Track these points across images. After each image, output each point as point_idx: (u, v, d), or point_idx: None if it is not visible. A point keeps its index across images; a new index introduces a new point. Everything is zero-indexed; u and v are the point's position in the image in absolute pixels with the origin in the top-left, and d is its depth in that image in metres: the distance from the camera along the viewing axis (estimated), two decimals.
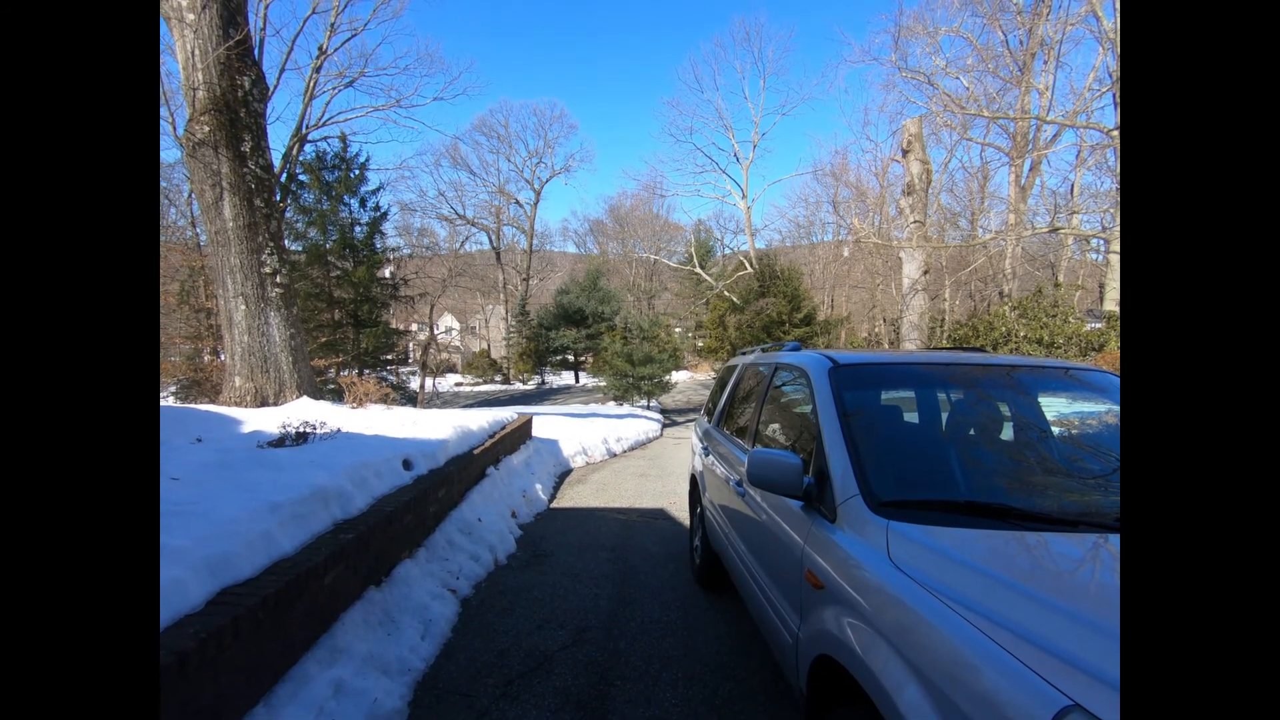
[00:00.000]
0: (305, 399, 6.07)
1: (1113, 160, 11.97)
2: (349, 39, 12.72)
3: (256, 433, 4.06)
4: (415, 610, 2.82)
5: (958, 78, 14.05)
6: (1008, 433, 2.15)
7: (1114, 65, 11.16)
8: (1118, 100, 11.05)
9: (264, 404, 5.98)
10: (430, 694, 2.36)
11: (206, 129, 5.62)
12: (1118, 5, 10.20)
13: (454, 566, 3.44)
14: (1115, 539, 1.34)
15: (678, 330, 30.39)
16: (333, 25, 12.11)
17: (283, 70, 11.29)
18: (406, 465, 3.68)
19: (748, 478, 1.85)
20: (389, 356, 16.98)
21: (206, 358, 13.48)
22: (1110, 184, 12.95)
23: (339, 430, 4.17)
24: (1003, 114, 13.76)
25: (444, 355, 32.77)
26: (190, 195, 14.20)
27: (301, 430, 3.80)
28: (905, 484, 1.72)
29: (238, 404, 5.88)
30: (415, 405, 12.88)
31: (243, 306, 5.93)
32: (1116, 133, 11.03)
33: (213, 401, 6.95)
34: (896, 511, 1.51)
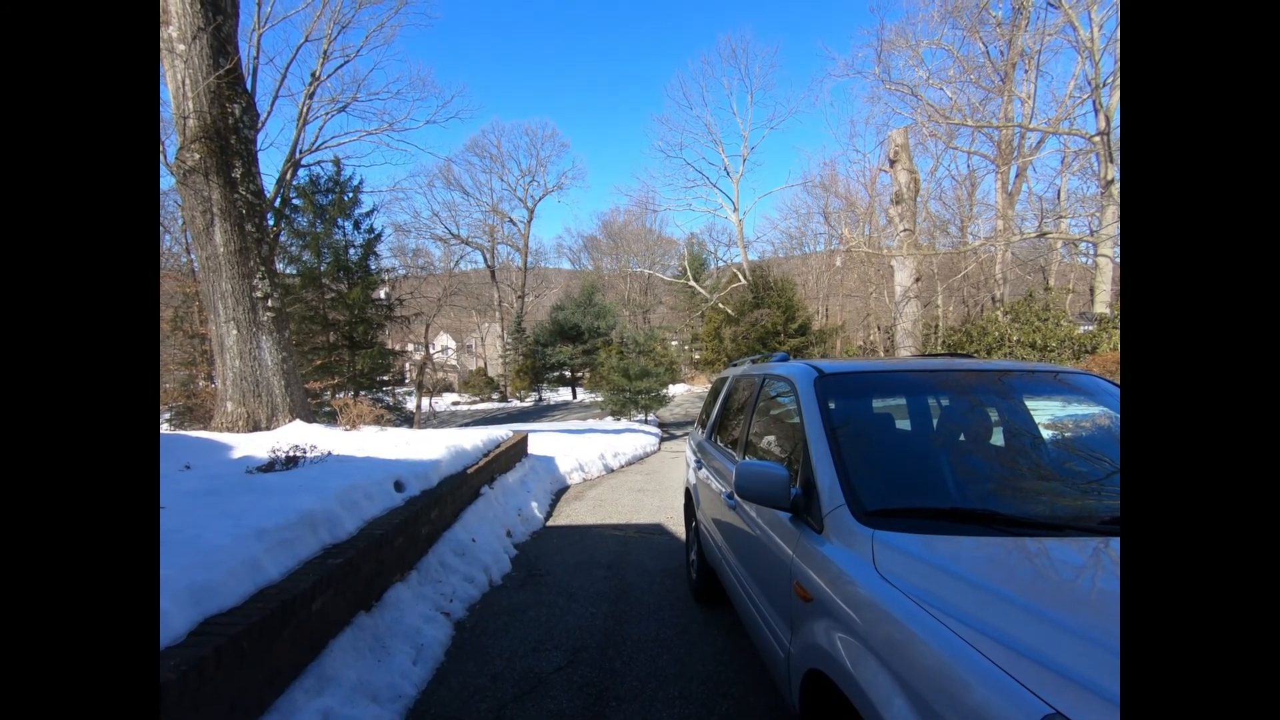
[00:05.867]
0: (298, 423, 6.04)
1: (1097, 165, 12.14)
2: (341, 65, 12.87)
3: (246, 458, 4.03)
4: (407, 635, 2.78)
5: (941, 88, 14.29)
6: (998, 438, 2.15)
7: (1092, 73, 11.38)
8: (1097, 106, 11.25)
9: (256, 429, 5.94)
10: None
11: (197, 156, 5.66)
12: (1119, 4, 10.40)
13: (447, 589, 3.40)
14: (1112, 543, 1.33)
15: (674, 343, 30.43)
16: (325, 52, 12.27)
17: (276, 97, 11.38)
18: (398, 487, 3.65)
19: (735, 490, 1.84)
20: (385, 377, 16.94)
21: (201, 383, 13.43)
22: (1095, 188, 13.13)
23: (330, 453, 4.14)
24: (987, 123, 13.99)
25: (440, 374, 32.67)
26: (183, 222, 14.26)
27: (291, 454, 3.77)
28: (892, 492, 1.71)
29: (229, 429, 5.84)
30: (412, 426, 12.82)
31: (234, 331, 5.92)
32: (1098, 138, 11.22)
33: (205, 427, 6.90)
34: (883, 521, 1.49)
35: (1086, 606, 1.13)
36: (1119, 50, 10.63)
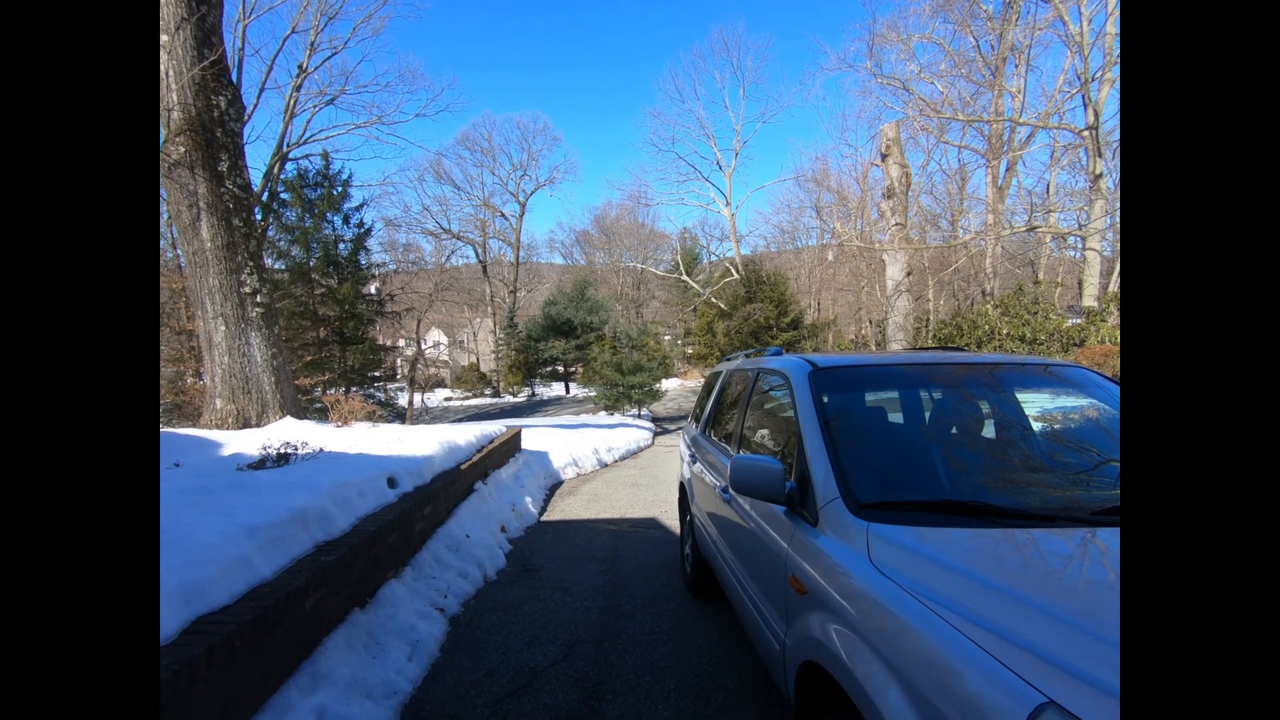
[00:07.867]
0: (288, 419, 5.99)
1: (1085, 159, 12.24)
2: (329, 57, 12.74)
3: (237, 455, 3.99)
4: (401, 631, 2.77)
5: (932, 83, 14.33)
6: (989, 430, 2.17)
7: (1081, 68, 11.45)
8: (1086, 101, 11.32)
9: (246, 426, 5.88)
10: (416, 717, 2.30)
11: (182, 149, 5.56)
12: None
13: (441, 585, 3.39)
14: (1101, 534, 1.35)
15: (667, 338, 30.45)
16: (312, 44, 12.12)
17: (262, 89, 11.27)
18: (391, 483, 3.63)
19: (731, 484, 1.84)
20: (376, 373, 16.82)
21: (189, 380, 13.26)
22: (1084, 182, 13.24)
23: (321, 450, 4.11)
24: (977, 117, 14.06)
25: (432, 370, 32.53)
26: (168, 216, 14.03)
27: (283, 451, 3.74)
28: (886, 485, 1.72)
29: (219, 426, 5.79)
30: (404, 422, 12.75)
31: (223, 327, 5.85)
32: (1087, 133, 11.30)
33: (194, 425, 6.83)
34: (877, 513, 1.50)
35: (1077, 596, 1.14)
36: (1119, 36, 10.68)
